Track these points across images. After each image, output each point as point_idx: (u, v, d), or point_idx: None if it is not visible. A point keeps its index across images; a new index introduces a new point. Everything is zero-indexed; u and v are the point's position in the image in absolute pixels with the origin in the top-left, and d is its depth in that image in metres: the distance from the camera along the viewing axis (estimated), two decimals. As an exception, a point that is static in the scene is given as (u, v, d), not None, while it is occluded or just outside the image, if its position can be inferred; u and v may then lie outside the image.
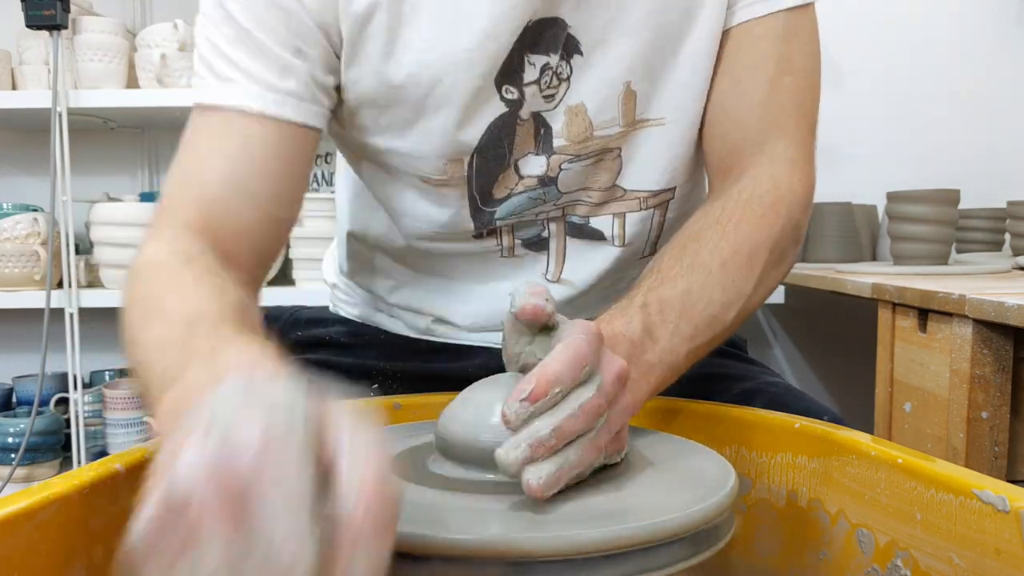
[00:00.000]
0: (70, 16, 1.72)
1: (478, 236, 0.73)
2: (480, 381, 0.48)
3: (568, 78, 0.67)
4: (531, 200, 0.71)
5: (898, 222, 1.54)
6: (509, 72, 0.66)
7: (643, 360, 0.55)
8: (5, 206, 1.84)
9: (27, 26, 1.70)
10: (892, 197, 1.56)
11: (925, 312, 1.15)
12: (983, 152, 2.02)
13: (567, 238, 0.74)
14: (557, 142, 0.69)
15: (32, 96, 1.79)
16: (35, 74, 1.83)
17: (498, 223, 0.73)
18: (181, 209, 0.61)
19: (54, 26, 1.68)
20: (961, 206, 1.55)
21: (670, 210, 0.75)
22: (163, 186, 0.62)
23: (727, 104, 0.70)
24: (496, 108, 0.67)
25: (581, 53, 0.67)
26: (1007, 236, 1.67)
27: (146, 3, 2.12)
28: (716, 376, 0.74)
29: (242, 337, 0.46)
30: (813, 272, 1.64)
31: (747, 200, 0.64)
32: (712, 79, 0.70)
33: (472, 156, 0.68)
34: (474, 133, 0.67)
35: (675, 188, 0.74)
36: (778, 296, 1.76)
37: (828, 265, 1.76)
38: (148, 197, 1.94)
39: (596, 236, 0.75)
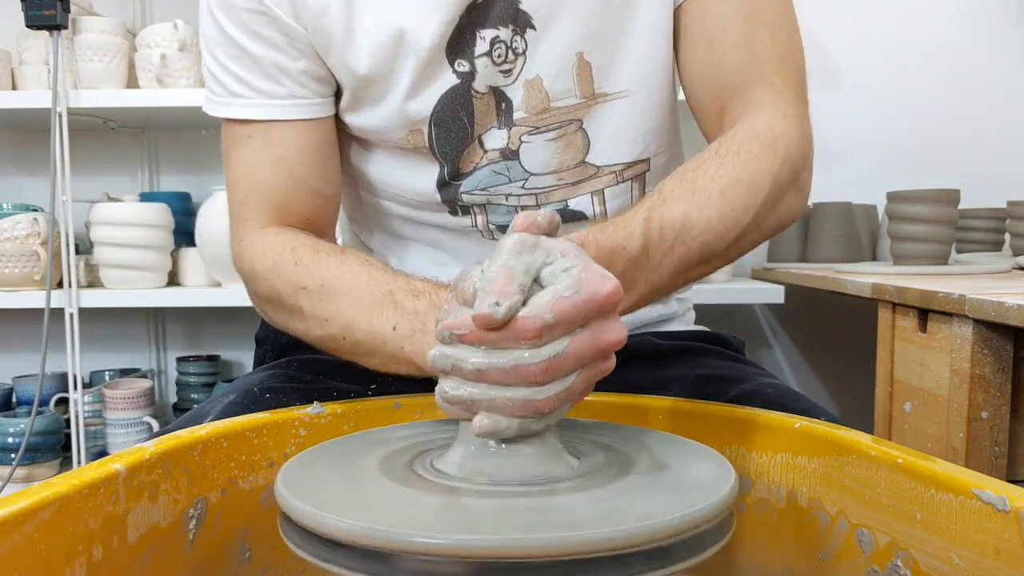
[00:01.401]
0: (70, 16, 1.72)
1: (453, 212, 0.77)
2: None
3: (524, 52, 0.71)
4: (495, 175, 0.74)
5: (898, 222, 1.54)
6: (459, 47, 0.70)
7: (632, 277, 0.56)
8: (5, 206, 1.84)
9: (27, 26, 1.70)
10: (892, 197, 1.56)
11: (925, 312, 1.15)
12: (983, 152, 2.02)
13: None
14: (517, 115, 0.72)
15: (32, 96, 1.79)
16: (35, 74, 1.83)
17: (464, 197, 0.75)
18: (258, 213, 0.73)
19: (54, 26, 1.68)
20: (961, 206, 1.55)
21: (648, 182, 0.77)
22: (229, 196, 0.75)
23: (708, 71, 0.71)
24: (448, 80, 0.71)
25: (534, 27, 0.70)
26: (1007, 236, 1.67)
27: (146, 3, 2.12)
28: (714, 378, 0.74)
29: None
30: (813, 272, 1.64)
31: (742, 137, 0.65)
32: (686, 52, 0.72)
33: (429, 126, 0.72)
34: (424, 104, 0.72)
35: (649, 159, 0.75)
36: (778, 296, 1.76)
37: (828, 265, 1.76)
38: (148, 197, 1.94)
39: (577, 217, 0.76)
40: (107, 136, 2.10)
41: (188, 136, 2.11)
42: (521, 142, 0.73)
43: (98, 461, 0.47)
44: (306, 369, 0.76)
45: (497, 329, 0.42)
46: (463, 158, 0.74)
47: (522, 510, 0.41)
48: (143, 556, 0.48)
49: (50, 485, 0.42)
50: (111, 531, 0.46)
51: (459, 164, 0.74)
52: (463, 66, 0.71)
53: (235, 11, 0.70)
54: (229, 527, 0.56)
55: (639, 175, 0.76)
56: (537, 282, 0.44)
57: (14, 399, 2.03)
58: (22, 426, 1.78)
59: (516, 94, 0.72)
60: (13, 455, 1.74)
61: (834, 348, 2.09)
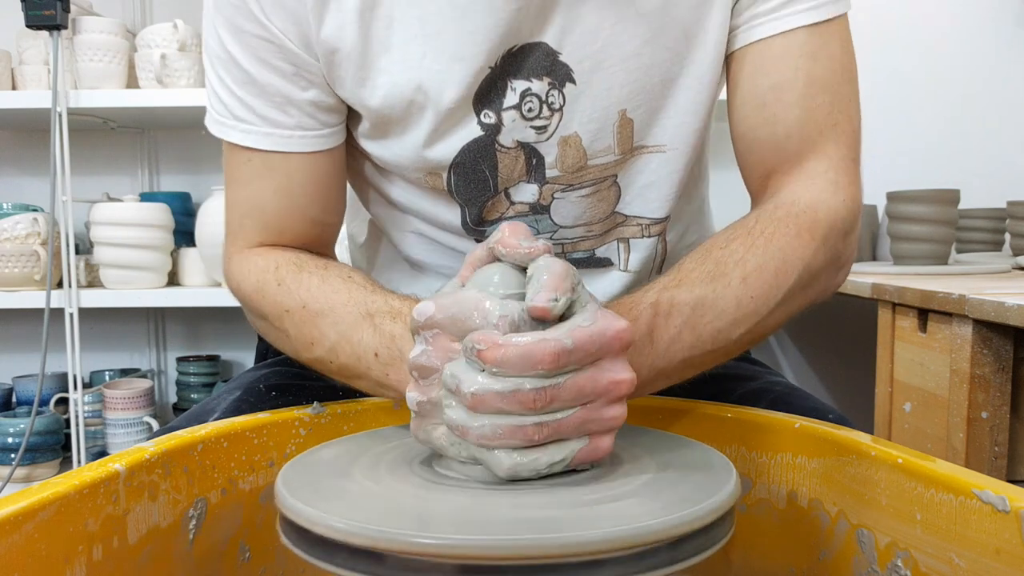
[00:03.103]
0: (70, 16, 1.72)
1: (478, 241, 0.73)
2: None
3: (561, 108, 0.65)
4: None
5: (898, 222, 1.54)
6: (488, 97, 0.65)
7: (633, 360, 0.54)
8: (5, 206, 1.84)
9: (27, 26, 1.70)
10: (892, 197, 1.56)
11: (925, 312, 1.15)
12: (983, 152, 2.02)
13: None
14: (550, 172, 0.68)
15: (32, 96, 1.79)
16: (35, 74, 1.83)
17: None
18: (252, 234, 0.71)
19: (54, 26, 1.68)
20: (961, 206, 1.55)
21: (669, 231, 0.75)
22: (226, 214, 0.73)
23: (758, 132, 0.66)
24: (471, 131, 0.66)
25: (574, 82, 0.65)
26: (1007, 236, 1.67)
27: (146, 3, 2.12)
28: (720, 376, 0.74)
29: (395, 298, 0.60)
30: (813, 272, 1.63)
31: (782, 217, 0.61)
32: (734, 105, 0.68)
33: (449, 173, 0.68)
34: (444, 152, 0.67)
35: (670, 217, 0.73)
36: (778, 296, 1.75)
37: (828, 265, 1.76)
38: (148, 197, 1.94)
39: (603, 264, 0.74)
40: (107, 136, 2.10)
41: (188, 136, 2.11)
42: (553, 198, 0.69)
43: (98, 461, 0.47)
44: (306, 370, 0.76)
45: (549, 320, 0.42)
46: (487, 207, 0.70)
47: (522, 510, 0.40)
48: (143, 556, 0.48)
49: (50, 485, 0.42)
50: (111, 531, 0.46)
51: (483, 212, 0.70)
52: (489, 117, 0.66)
53: (242, 34, 0.64)
54: (229, 527, 0.56)
55: (663, 230, 0.73)
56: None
57: (14, 399, 2.03)
58: (22, 426, 1.78)
59: (550, 151, 0.67)
60: (13, 455, 1.74)
61: (834, 348, 2.09)
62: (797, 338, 2.14)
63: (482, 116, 0.66)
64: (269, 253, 0.69)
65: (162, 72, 1.77)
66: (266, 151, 0.67)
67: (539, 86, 0.65)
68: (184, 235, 1.92)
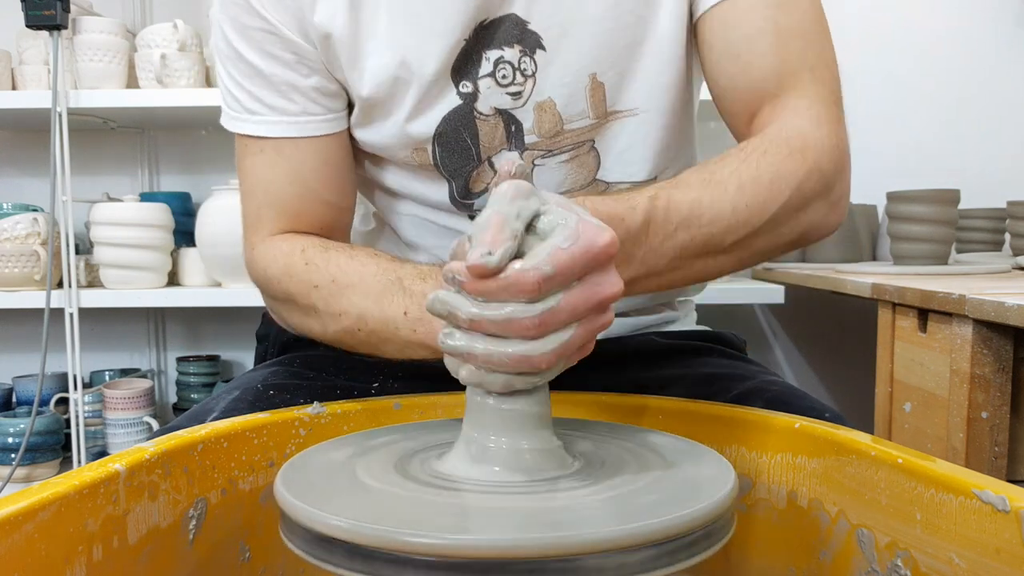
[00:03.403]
0: (70, 16, 1.72)
1: (471, 218, 0.76)
2: None
3: (534, 74, 0.69)
4: None
5: (898, 222, 1.54)
6: (464, 68, 0.69)
7: (628, 251, 0.55)
8: (5, 206, 1.84)
9: (27, 26, 1.70)
10: (892, 197, 1.56)
11: (925, 312, 1.15)
12: (983, 152, 2.02)
13: None
14: (529, 138, 0.71)
15: (32, 96, 1.79)
16: (35, 74, 1.83)
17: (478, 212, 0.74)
18: (271, 222, 0.73)
19: (54, 26, 1.68)
20: (961, 206, 1.55)
21: None
22: (243, 206, 0.76)
23: (737, 82, 0.68)
24: (451, 101, 0.70)
25: (544, 48, 0.68)
26: (1007, 236, 1.67)
27: (146, 3, 2.12)
28: (716, 376, 0.74)
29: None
30: (813, 272, 1.64)
31: (772, 139, 0.62)
32: (711, 65, 0.70)
33: (433, 144, 0.72)
34: (426, 124, 0.71)
35: (657, 178, 0.74)
36: (778, 296, 1.76)
37: (828, 265, 1.76)
38: (148, 197, 1.94)
39: None
40: (107, 136, 2.10)
41: (188, 136, 2.11)
42: (534, 165, 0.72)
43: (98, 461, 0.47)
44: (309, 366, 0.76)
45: (490, 277, 0.41)
46: (472, 178, 0.73)
47: (521, 510, 0.41)
48: (143, 556, 0.48)
49: (50, 485, 0.42)
50: (111, 531, 0.46)
51: (468, 183, 0.74)
52: (466, 87, 0.70)
53: (245, 29, 0.70)
54: (229, 527, 0.56)
55: None
56: (532, 232, 0.43)
57: (14, 399, 2.03)
58: (22, 426, 1.78)
59: (527, 117, 0.71)
60: (13, 455, 1.74)
61: (834, 348, 2.09)
62: (797, 338, 2.14)
63: (460, 87, 0.70)
64: (294, 238, 0.72)
65: (162, 72, 1.77)
66: (276, 138, 0.72)
67: (511, 53, 0.69)
68: (184, 235, 1.92)
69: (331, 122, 0.73)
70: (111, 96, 1.78)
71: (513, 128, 0.71)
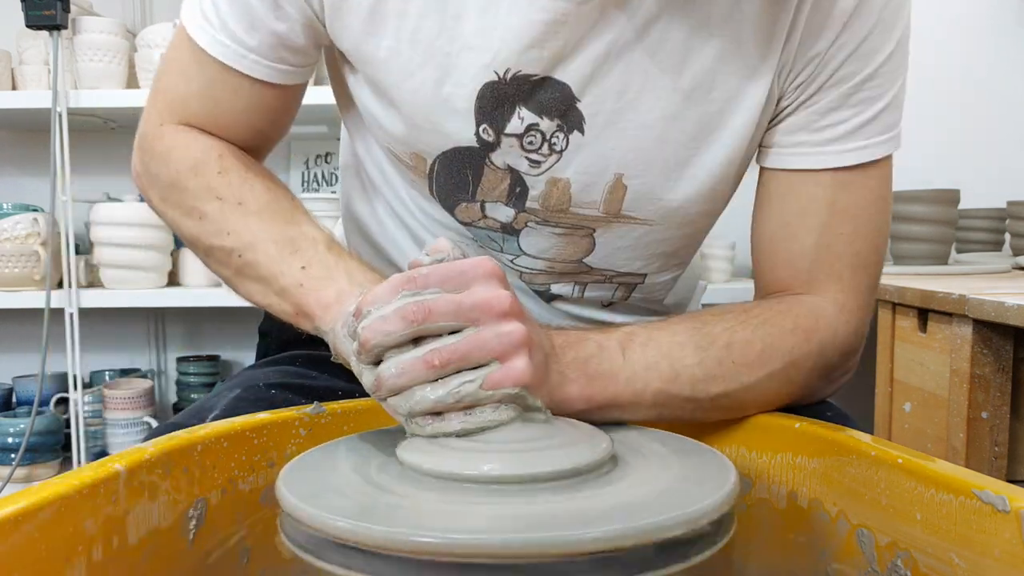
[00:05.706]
0: (70, 16, 1.72)
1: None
2: None
3: (562, 152, 0.64)
4: (490, 239, 0.70)
5: (898, 222, 1.54)
6: (493, 113, 0.62)
7: (602, 368, 0.53)
8: (5, 206, 1.84)
9: (27, 26, 1.70)
10: (892, 197, 1.56)
11: (925, 312, 1.15)
12: (983, 152, 2.02)
13: (521, 295, 0.72)
14: (530, 204, 0.67)
15: (32, 96, 1.79)
16: (35, 74, 1.83)
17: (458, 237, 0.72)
18: (193, 116, 0.69)
19: (54, 26, 1.68)
20: (961, 206, 1.55)
21: (637, 291, 0.75)
22: (152, 92, 0.72)
23: (776, 246, 0.67)
24: (464, 136, 0.64)
25: (583, 132, 0.63)
26: (1007, 236, 1.67)
27: (146, 3, 2.12)
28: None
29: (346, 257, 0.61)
30: (813, 272, 1.63)
31: (781, 311, 0.61)
32: (759, 215, 0.68)
33: (435, 161, 0.67)
34: (430, 144, 0.65)
35: (646, 276, 0.73)
36: (778, 296, 1.75)
37: (828, 265, 1.76)
38: (148, 197, 1.94)
39: (554, 298, 0.74)
40: (107, 136, 2.10)
41: (188, 136, 2.11)
42: (526, 226, 0.69)
43: (98, 461, 0.47)
44: (310, 365, 0.76)
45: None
46: (461, 209, 0.69)
47: (522, 510, 0.40)
48: (143, 556, 0.48)
49: (50, 485, 0.42)
50: (111, 531, 0.46)
51: (455, 212, 0.69)
52: (488, 134, 0.63)
53: None
54: (229, 527, 0.56)
55: (629, 283, 0.73)
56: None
57: (14, 399, 2.03)
58: (22, 426, 1.78)
59: (537, 185, 0.66)
60: (13, 455, 1.74)
61: (834, 348, 2.08)
62: (797, 338, 2.14)
63: (480, 130, 0.63)
64: (212, 138, 0.68)
65: (162, 72, 1.76)
66: (220, 62, 0.66)
67: (547, 125, 0.63)
68: (184, 235, 1.92)
69: (280, 73, 0.67)
70: (111, 96, 1.78)
71: (519, 190, 0.66)
